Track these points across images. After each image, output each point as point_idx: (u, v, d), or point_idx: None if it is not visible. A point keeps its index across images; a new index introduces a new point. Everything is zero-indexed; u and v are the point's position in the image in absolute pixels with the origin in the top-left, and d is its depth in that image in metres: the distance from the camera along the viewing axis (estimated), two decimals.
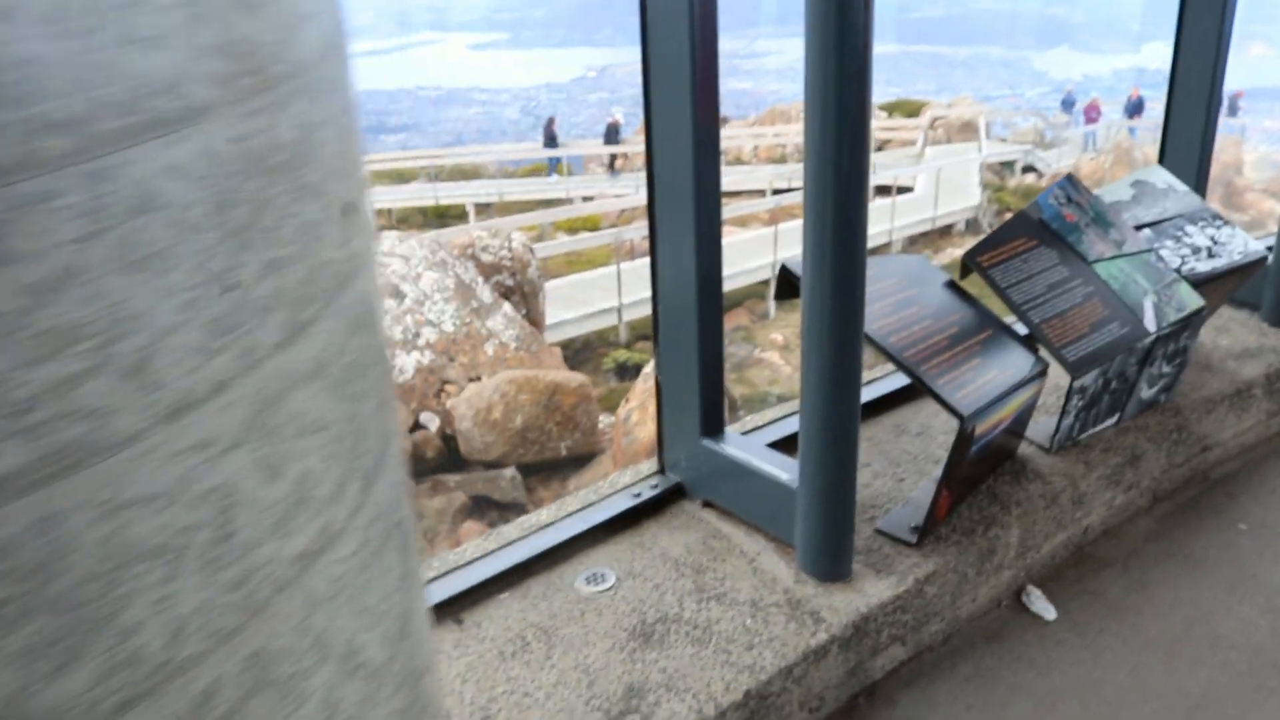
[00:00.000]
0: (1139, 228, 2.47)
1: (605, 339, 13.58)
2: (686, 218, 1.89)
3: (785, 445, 2.10)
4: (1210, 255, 2.46)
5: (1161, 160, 2.95)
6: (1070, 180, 2.44)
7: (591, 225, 19.06)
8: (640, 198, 20.76)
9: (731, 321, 14.41)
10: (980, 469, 2.12)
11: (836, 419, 1.76)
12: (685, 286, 1.95)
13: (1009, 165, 22.65)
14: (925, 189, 18.87)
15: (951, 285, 2.22)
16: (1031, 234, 2.32)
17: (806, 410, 1.78)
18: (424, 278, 5.52)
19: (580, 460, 5.21)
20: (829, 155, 1.60)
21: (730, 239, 16.63)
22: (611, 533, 2.08)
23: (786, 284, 1.94)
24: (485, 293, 5.55)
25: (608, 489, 2.21)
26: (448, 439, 5.17)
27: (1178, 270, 2.38)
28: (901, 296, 2.07)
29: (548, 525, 2.07)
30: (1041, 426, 2.34)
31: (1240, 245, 2.52)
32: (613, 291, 13.03)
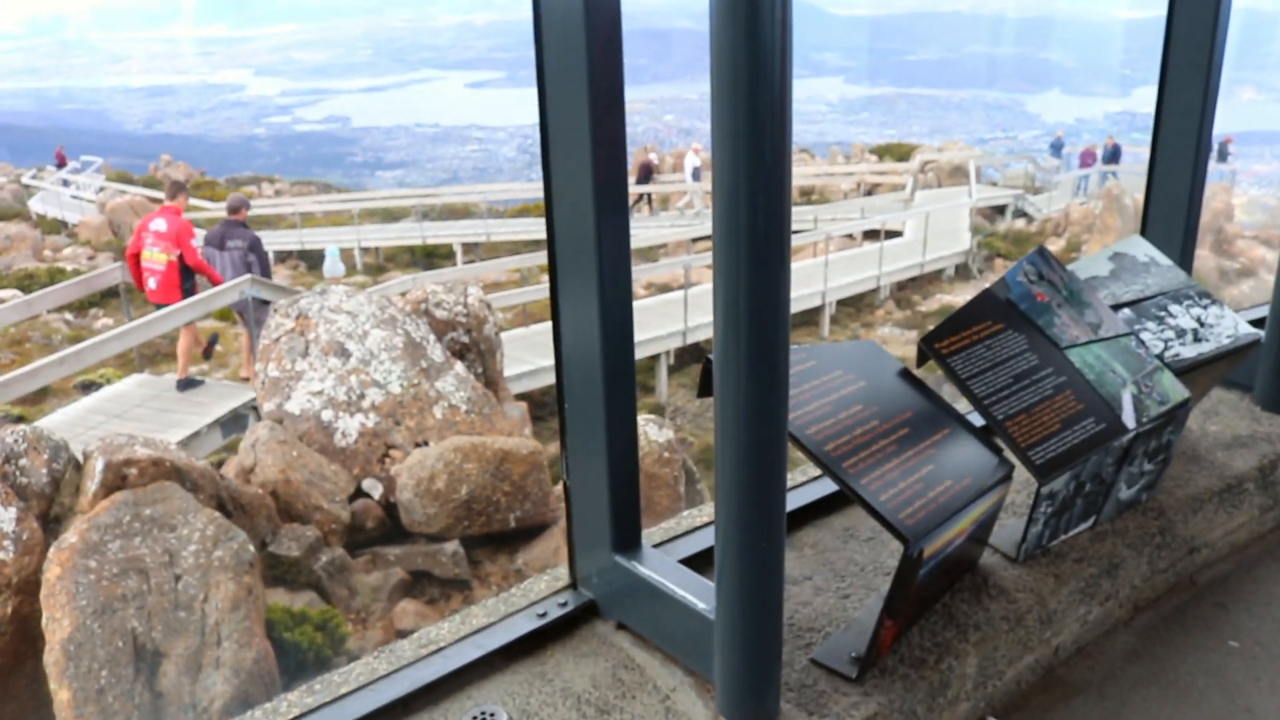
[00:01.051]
0: (1117, 307, 2.23)
1: None
2: (589, 290, 1.64)
3: (707, 559, 1.84)
4: (1197, 339, 2.22)
5: (1145, 218, 2.71)
6: (1041, 254, 2.20)
7: None
8: (643, 237, 20.66)
9: None
10: (934, 587, 1.86)
11: (756, 537, 1.50)
12: (589, 371, 1.70)
13: (1000, 210, 22.58)
14: (914, 234, 18.75)
15: (906, 375, 1.97)
16: (997, 316, 2.07)
17: (721, 527, 1.52)
18: (371, 335, 5.27)
19: (531, 532, 4.91)
20: (742, 217, 1.34)
21: (709, 285, 16.44)
22: (511, 659, 1.81)
23: (709, 378, 1.69)
24: (436, 352, 5.29)
25: (507, 606, 1.95)
26: (390, 508, 4.90)
27: (1160, 357, 2.14)
28: (845, 393, 1.82)
29: (435, 652, 1.80)
30: (1008, 531, 2.08)
31: (1230, 327, 2.28)
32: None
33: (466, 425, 5.02)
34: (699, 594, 1.68)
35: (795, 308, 15.66)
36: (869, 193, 24.70)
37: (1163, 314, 2.25)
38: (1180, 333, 2.22)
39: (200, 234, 10.50)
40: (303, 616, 3.83)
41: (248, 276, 9.02)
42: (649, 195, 25.27)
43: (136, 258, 9.75)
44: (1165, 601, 2.23)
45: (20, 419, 9.84)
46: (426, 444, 4.86)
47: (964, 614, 1.88)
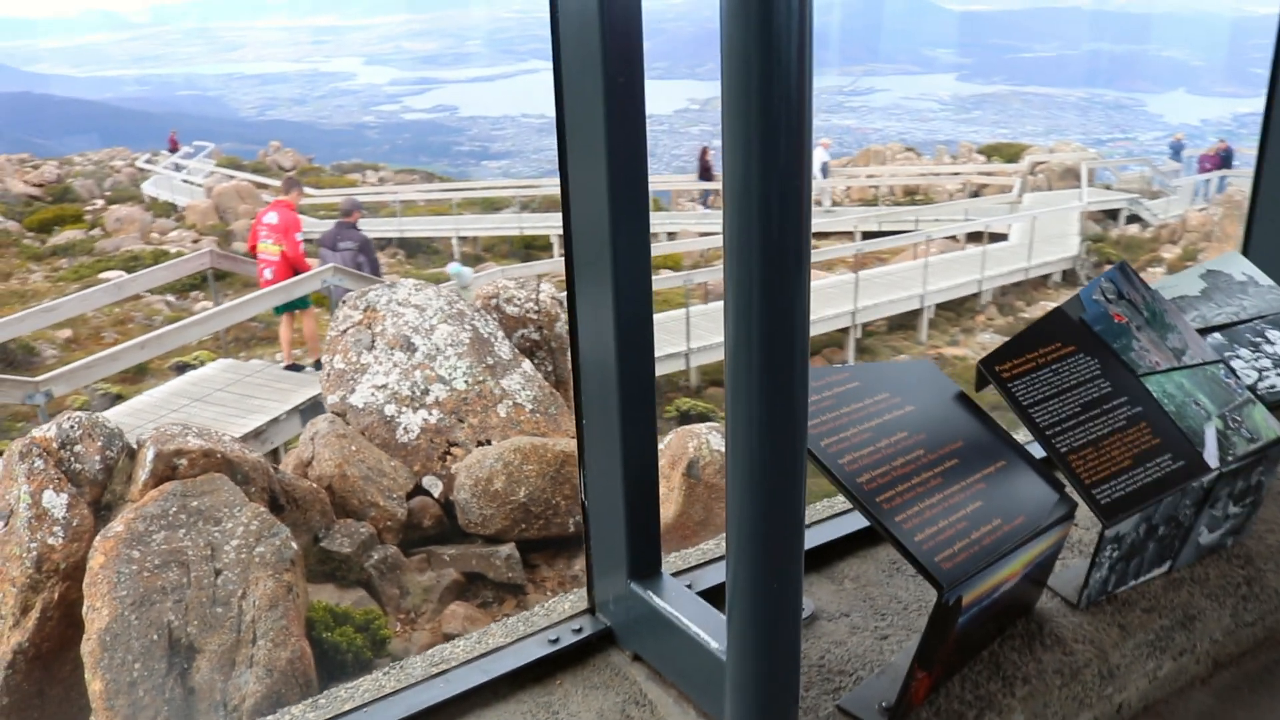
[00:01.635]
0: (1206, 331, 2.03)
1: (675, 383, 13.22)
2: (605, 297, 1.53)
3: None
4: None
5: (1248, 232, 2.48)
6: (1123, 270, 2.01)
7: (673, 264, 18.76)
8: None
9: None
10: (979, 634, 1.70)
11: (768, 577, 1.37)
12: (605, 385, 1.59)
13: (1113, 214, 21.72)
14: (1020, 237, 18.13)
15: (961, 400, 1.81)
16: (1068, 337, 1.90)
17: (732, 564, 1.39)
18: (438, 330, 5.23)
19: None
20: (754, 226, 1.21)
21: (813, 284, 16.15)
22: (518, 686, 1.72)
23: None
24: (504, 348, 5.22)
25: (526, 626, 1.85)
26: (448, 507, 4.85)
27: (1253, 388, 1.93)
28: (889, 418, 1.67)
29: (439, 674, 1.71)
30: (1070, 573, 1.90)
31: None
32: (684, 334, 12.67)
33: (531, 425, 4.95)
34: (713, 630, 1.55)
35: (892, 310, 15.30)
36: (975, 194, 24.01)
37: (1259, 340, 2.03)
38: (1278, 361, 2.00)
39: (305, 228, 10.71)
40: (345, 616, 3.81)
41: (330, 266, 9.16)
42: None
43: (255, 250, 10.04)
44: (1251, 659, 2.02)
45: (119, 397, 10.19)
46: (489, 443, 4.81)
47: (1013, 664, 1.71)
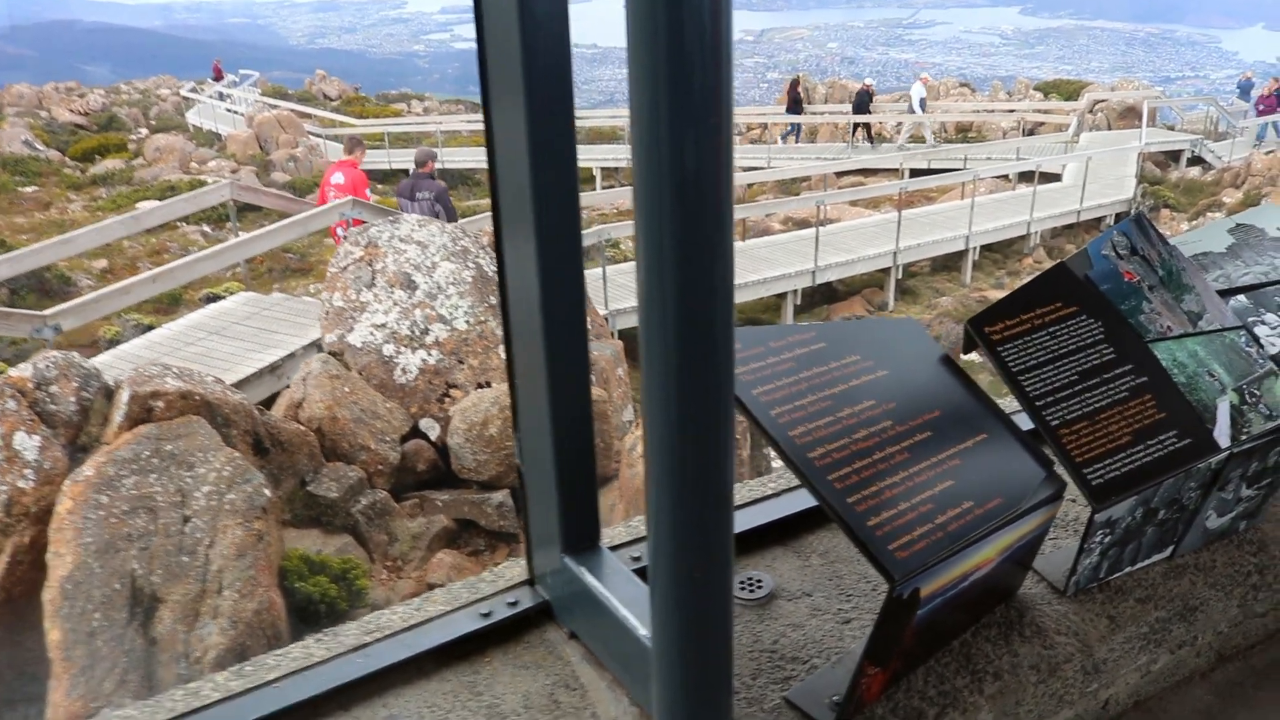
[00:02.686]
0: (1229, 293, 1.82)
1: None
2: (529, 254, 1.37)
3: None
4: None
5: None
6: (1138, 223, 1.80)
7: None
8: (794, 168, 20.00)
9: (846, 311, 13.67)
10: (949, 623, 1.55)
11: (688, 560, 1.22)
12: (532, 348, 1.44)
13: (1174, 156, 20.95)
14: (1074, 178, 17.54)
15: (945, 364, 1.63)
16: (1071, 297, 1.70)
17: (653, 542, 1.24)
18: (440, 268, 5.08)
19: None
20: (663, 169, 1.05)
21: (852, 222, 15.81)
22: (445, 662, 1.59)
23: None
24: None
25: (468, 594, 1.73)
26: (443, 451, 4.74)
27: (1276, 359, 1.73)
28: (855, 384, 1.50)
29: (357, 648, 1.60)
30: (1060, 556, 1.74)
31: None
32: None
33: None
34: (643, 613, 1.41)
35: (936, 251, 14.92)
36: (1030, 132, 23.26)
37: None
38: None
39: (373, 183, 10.62)
40: (321, 565, 3.72)
41: (348, 199, 9.06)
42: (867, 125, 24.12)
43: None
44: (1261, 652, 1.85)
45: (150, 328, 10.22)
46: (489, 385, 4.69)
47: (985, 657, 1.56)
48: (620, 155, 24.07)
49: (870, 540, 1.31)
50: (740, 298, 12.80)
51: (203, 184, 17.28)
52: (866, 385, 1.51)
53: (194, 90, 31.29)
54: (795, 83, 26.39)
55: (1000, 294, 14.47)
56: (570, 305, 1.42)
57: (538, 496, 1.58)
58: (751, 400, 1.40)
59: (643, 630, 1.39)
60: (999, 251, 16.16)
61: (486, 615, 1.63)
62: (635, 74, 1.01)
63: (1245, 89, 24.84)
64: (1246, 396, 1.65)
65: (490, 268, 5.11)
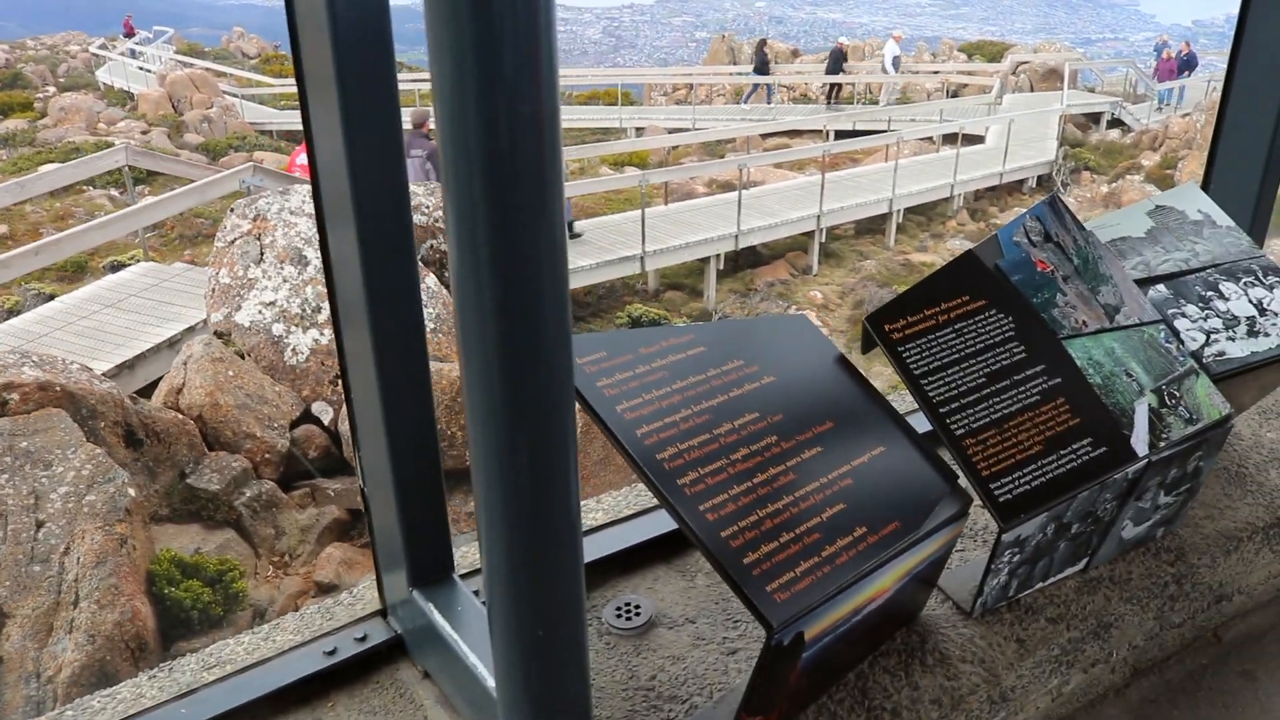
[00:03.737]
0: (1148, 282, 1.69)
1: (631, 287, 12.85)
2: (351, 250, 1.17)
3: None
4: (1253, 331, 1.67)
5: (1210, 159, 2.13)
6: (1052, 206, 1.65)
7: (639, 161, 18.18)
8: (715, 130, 19.71)
9: (770, 275, 13.58)
10: (846, 655, 1.40)
11: (532, 621, 1.05)
12: (363, 358, 1.24)
13: (1094, 119, 21.20)
14: (997, 140, 17.62)
15: (839, 368, 1.47)
16: (979, 290, 1.55)
17: (487, 579, 1.06)
18: None
19: None
20: (472, 147, 0.86)
21: (776, 185, 15.68)
22: (281, 707, 1.41)
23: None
24: None
25: (321, 622, 1.53)
26: (336, 436, 4.50)
27: (1198, 355, 1.60)
28: (736, 395, 1.33)
29: (186, 694, 1.40)
30: (967, 570, 1.60)
31: None
32: (653, 235, 12.22)
33: (431, 345, 4.57)
34: (485, 653, 1.24)
35: (860, 214, 14.88)
36: (954, 94, 23.34)
37: (1210, 294, 1.70)
38: (1231, 322, 1.67)
39: (264, 118, 10.19)
40: (195, 568, 3.46)
41: (249, 165, 8.68)
42: (838, 86, 23.63)
43: None
44: (1176, 663, 1.74)
45: (52, 297, 9.72)
46: None
47: (882, 691, 1.41)
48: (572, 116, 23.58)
49: (745, 581, 1.14)
50: (663, 262, 12.62)
51: (110, 145, 16.53)
52: (750, 395, 1.34)
53: (103, 47, 29.95)
54: (762, 43, 25.90)
55: (924, 257, 14.46)
56: (403, 316, 1.22)
57: (382, 523, 1.40)
58: (613, 418, 1.22)
59: (490, 680, 1.22)
60: (923, 214, 16.18)
61: (331, 653, 1.45)
62: (435, 43, 0.82)
63: (1160, 51, 25.21)
64: (1166, 398, 1.52)
65: None
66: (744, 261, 13.91)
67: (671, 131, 20.17)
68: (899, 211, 15.31)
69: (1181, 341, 1.59)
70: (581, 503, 1.90)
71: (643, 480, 1.20)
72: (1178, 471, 1.56)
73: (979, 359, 1.49)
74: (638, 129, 21.96)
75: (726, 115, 23.18)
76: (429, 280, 4.76)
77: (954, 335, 1.50)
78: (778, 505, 1.23)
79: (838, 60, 23.42)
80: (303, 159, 9.50)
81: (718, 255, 13.06)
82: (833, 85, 23.53)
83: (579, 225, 12.94)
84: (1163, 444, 1.48)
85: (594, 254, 11.70)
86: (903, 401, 2.03)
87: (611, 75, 30.13)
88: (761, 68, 24.54)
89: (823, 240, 14.33)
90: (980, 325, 1.53)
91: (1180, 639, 1.75)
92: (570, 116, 24.20)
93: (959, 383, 1.46)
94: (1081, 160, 17.65)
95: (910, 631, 1.51)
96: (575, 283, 11.54)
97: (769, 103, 23.85)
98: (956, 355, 1.48)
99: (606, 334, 1.33)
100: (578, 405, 1.23)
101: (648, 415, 1.25)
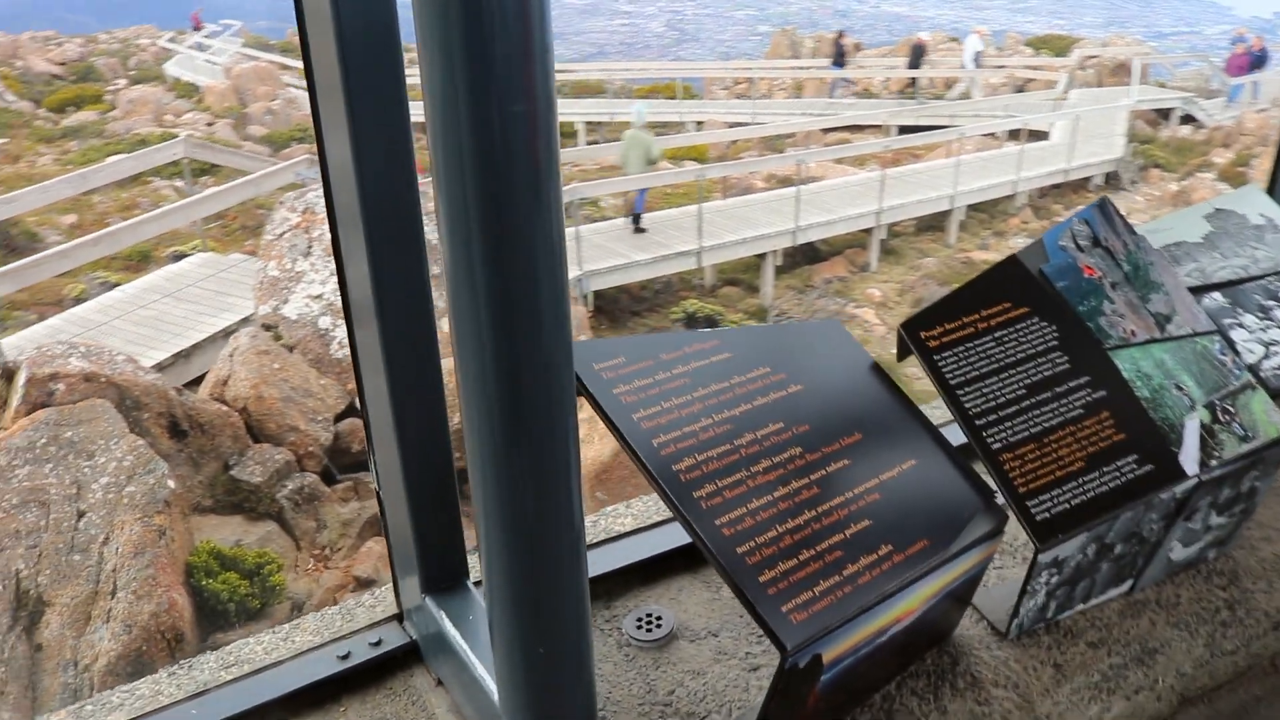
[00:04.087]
0: (1203, 290, 1.60)
1: (688, 282, 12.79)
2: (358, 246, 1.15)
3: None
4: None
5: (1276, 167, 2.03)
6: (1102, 209, 1.58)
7: (698, 156, 18.10)
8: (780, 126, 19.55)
9: (828, 272, 13.44)
10: (872, 675, 1.34)
11: (532, 639, 1.01)
12: (373, 357, 1.22)
13: (1165, 114, 20.65)
14: (1062, 136, 17.24)
15: (872, 376, 1.42)
16: (1021, 296, 1.48)
17: (488, 590, 1.03)
18: None
19: None
20: (465, 150, 0.83)
21: (835, 181, 15.50)
22: (294, 709, 1.39)
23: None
24: None
25: (323, 628, 1.52)
26: None
27: (1255, 369, 1.52)
28: (761, 403, 1.28)
29: (197, 694, 1.39)
30: (1004, 590, 1.53)
31: None
32: (710, 230, 12.15)
33: None
34: (490, 663, 1.20)
35: (921, 211, 14.66)
36: (1019, 89, 22.88)
37: (1271, 304, 1.61)
38: None
39: None
40: (233, 561, 3.49)
41: (305, 158, 8.77)
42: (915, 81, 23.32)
43: None
44: (1228, 693, 1.65)
45: (116, 285, 9.93)
46: None
47: (908, 714, 1.35)
48: (603, 110, 23.66)
49: (760, 600, 1.10)
50: (720, 258, 12.55)
51: (175, 137, 16.86)
52: (775, 404, 1.29)
53: (173, 40, 30.57)
54: (840, 36, 25.55)
55: (986, 255, 14.21)
56: (414, 316, 1.19)
57: (397, 527, 1.37)
58: (628, 426, 1.18)
59: (490, 681, 1.19)
60: (985, 211, 15.90)
61: (344, 658, 1.43)
62: (424, 41, 0.78)
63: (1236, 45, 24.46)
64: (1219, 414, 1.44)
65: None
66: (802, 257, 13.79)
67: (731, 126, 20.04)
68: (961, 208, 15.05)
69: (1238, 353, 1.51)
70: (611, 508, 1.86)
71: (657, 492, 1.16)
72: (1231, 491, 1.47)
73: (1019, 369, 1.42)
74: (697, 123, 21.84)
75: (787, 110, 22.98)
76: None
77: (993, 344, 1.43)
78: (798, 521, 1.18)
79: (918, 55, 23.08)
80: None
81: (774, 251, 12.95)
82: (913, 80, 23.20)
83: (620, 221, 12.91)
84: (1214, 462, 1.40)
85: (651, 248, 11.67)
86: (939, 413, 1.96)
87: (671, 69, 30.07)
88: (838, 61, 24.26)
89: (882, 237, 14.15)
90: (1022, 334, 1.46)
91: (1233, 667, 1.66)
92: (630, 111, 24.19)
93: (997, 394, 1.39)
94: (1150, 157, 17.20)
95: (942, 652, 1.45)
96: (631, 277, 11.52)
97: (840, 97, 23.60)
98: (995, 365, 1.42)
99: (626, 338, 1.30)
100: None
101: (665, 424, 1.20)
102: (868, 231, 13.94)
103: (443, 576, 1.35)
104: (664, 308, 11.73)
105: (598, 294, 11.27)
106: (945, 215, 15.02)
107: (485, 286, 0.84)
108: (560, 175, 0.84)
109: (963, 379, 1.39)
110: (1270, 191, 1.86)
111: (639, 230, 12.07)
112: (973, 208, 15.57)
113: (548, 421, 0.91)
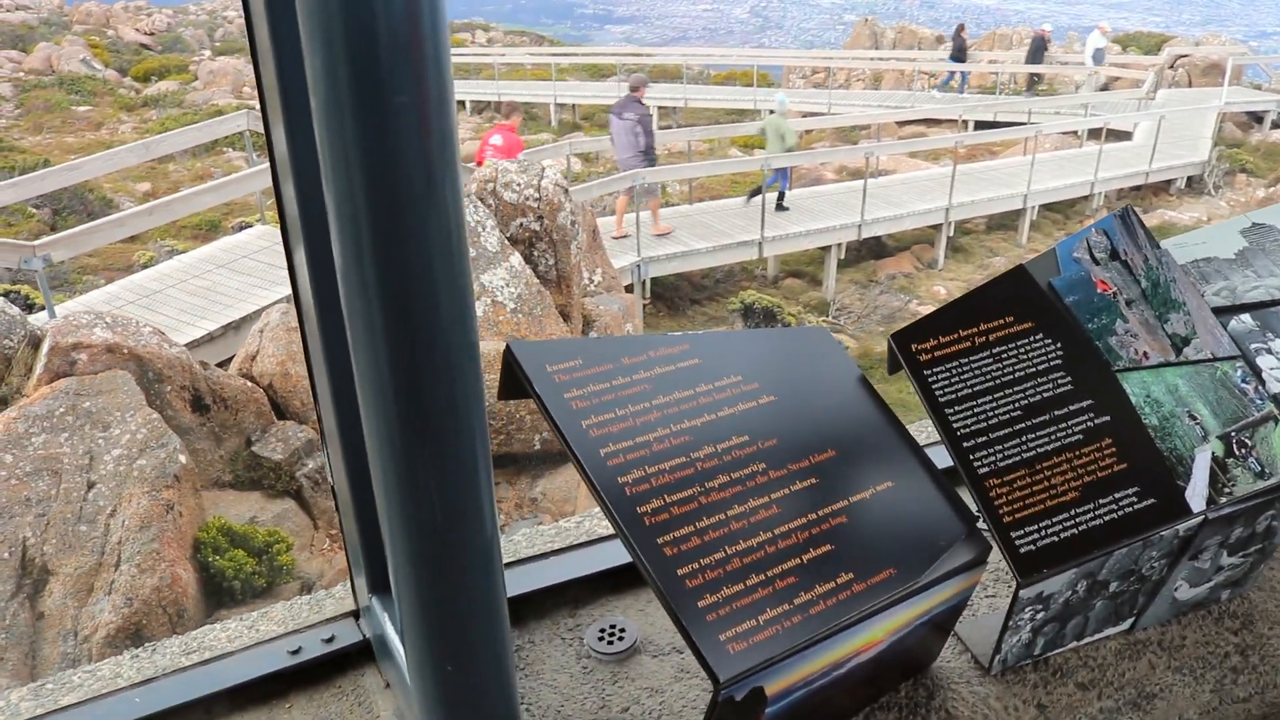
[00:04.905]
0: (1229, 310, 1.48)
1: (750, 272, 12.66)
2: (299, 244, 1.10)
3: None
4: None
5: None
6: (1124, 220, 1.47)
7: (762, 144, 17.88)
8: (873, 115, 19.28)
9: (894, 267, 13.19)
10: (837, 704, 1.27)
11: (441, 655, 0.96)
12: (319, 356, 1.17)
13: (1258, 118, 19.88)
14: (1145, 137, 16.70)
15: (855, 388, 1.34)
16: (1026, 310, 1.39)
17: (397, 598, 0.98)
18: None
19: (557, 458, 4.36)
20: (350, 147, 0.77)
21: (906, 175, 15.20)
22: (238, 704, 1.36)
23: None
24: (492, 239, 4.70)
25: (289, 618, 1.49)
26: None
27: (1279, 399, 1.40)
28: (727, 414, 1.21)
29: (147, 681, 1.37)
30: (989, 621, 1.44)
31: None
32: (771, 220, 12.01)
33: (510, 326, 4.51)
34: None
35: (993, 209, 14.31)
36: (1104, 87, 22.21)
37: None
38: None
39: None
40: (242, 538, 3.49)
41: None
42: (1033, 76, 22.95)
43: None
44: None
45: (181, 252, 10.12)
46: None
47: None
48: (679, 95, 23.57)
49: (695, 626, 1.03)
50: (782, 249, 12.39)
51: (251, 109, 17.14)
52: (741, 415, 1.22)
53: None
54: (960, 28, 25.01)
55: None
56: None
57: (348, 524, 1.33)
58: (575, 434, 1.11)
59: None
60: (1060, 211, 15.49)
61: (295, 653, 1.39)
62: (307, 31, 0.73)
63: None
64: (1234, 446, 1.33)
65: (471, 218, 4.80)
66: (868, 252, 13.57)
67: (805, 115, 19.79)
68: (1034, 208, 14.67)
69: (1263, 382, 1.40)
70: (591, 512, 1.80)
71: (599, 504, 1.10)
72: (1244, 530, 1.36)
73: (1016, 389, 1.33)
74: (771, 112, 21.61)
75: (863, 101, 22.63)
76: (513, 259, 4.70)
77: (990, 360, 1.34)
78: (751, 542, 1.11)
79: (1039, 49, 22.58)
80: (494, 139, 9.67)
81: (839, 245, 12.75)
82: (1032, 74, 22.72)
83: (682, 209, 12.85)
84: (1224, 499, 1.29)
85: (711, 236, 11.56)
86: (930, 432, 1.87)
87: (749, 56, 29.79)
88: (958, 54, 23.80)
89: (951, 234, 13.86)
90: (1023, 350, 1.36)
91: (1246, 715, 1.55)
92: (705, 97, 24.13)
93: (990, 414, 1.30)
94: (1238, 161, 16.57)
95: (918, 684, 1.36)
96: (690, 265, 11.43)
97: (961, 91, 23.20)
98: (991, 383, 1.32)
99: (586, 339, 1.23)
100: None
101: (617, 433, 1.14)
102: (937, 227, 13.65)
103: (388, 577, 1.30)
104: (722, 297, 11.62)
105: (656, 281, 11.20)
106: (1018, 214, 14.65)
107: (377, 286, 0.79)
108: (459, 168, 0.78)
109: (953, 396, 1.31)
110: None
111: (781, 208, 12.45)
112: (1046, 207, 15.17)
113: (451, 425, 0.85)
